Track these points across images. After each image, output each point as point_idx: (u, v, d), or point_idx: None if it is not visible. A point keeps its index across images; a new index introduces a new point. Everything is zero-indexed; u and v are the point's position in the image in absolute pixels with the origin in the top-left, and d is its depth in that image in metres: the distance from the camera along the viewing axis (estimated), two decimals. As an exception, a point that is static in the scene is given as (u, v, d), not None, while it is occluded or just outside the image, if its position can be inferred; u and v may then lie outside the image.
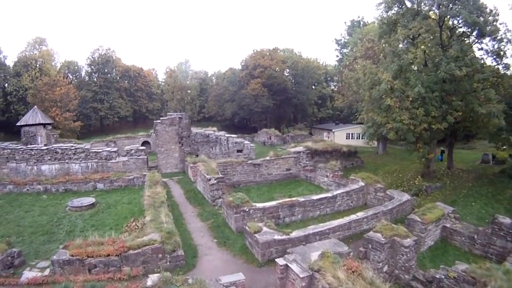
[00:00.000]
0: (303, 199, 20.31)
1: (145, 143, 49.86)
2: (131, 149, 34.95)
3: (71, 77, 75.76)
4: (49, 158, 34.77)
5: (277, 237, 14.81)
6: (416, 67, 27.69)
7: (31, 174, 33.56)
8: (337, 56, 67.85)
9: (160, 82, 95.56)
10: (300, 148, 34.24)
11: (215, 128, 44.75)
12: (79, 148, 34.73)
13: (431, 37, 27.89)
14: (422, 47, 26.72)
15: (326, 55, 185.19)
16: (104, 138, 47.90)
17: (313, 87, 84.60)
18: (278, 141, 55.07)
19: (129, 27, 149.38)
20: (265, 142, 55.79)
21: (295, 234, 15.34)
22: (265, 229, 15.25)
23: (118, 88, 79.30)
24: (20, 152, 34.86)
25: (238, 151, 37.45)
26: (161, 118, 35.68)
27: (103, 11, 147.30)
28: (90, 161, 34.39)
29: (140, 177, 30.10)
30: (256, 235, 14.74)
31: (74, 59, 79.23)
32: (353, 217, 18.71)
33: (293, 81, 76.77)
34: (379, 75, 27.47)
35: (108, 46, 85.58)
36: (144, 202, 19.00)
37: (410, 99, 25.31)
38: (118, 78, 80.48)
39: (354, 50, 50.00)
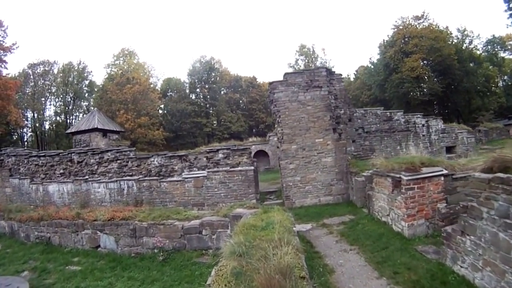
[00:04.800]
0: None
1: (259, 154, 29.97)
2: (217, 150, 14.77)
3: (173, 94, 63.48)
4: (61, 171, 17.21)
5: None
6: None
7: (36, 198, 18.58)
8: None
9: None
10: None
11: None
12: (107, 152, 16.09)
13: None
14: None
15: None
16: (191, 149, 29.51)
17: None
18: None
19: (236, 35, 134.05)
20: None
21: None
22: None
23: (227, 100, 64.67)
24: (25, 161, 19.70)
25: (448, 148, 20.41)
26: (285, 73, 14.51)
27: (210, 20, 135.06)
28: (128, 178, 15.26)
29: (221, 224, 8.89)
30: None
31: (176, 76, 68.07)
32: None
33: (456, 58, 49.84)
34: None
35: (211, 55, 72.77)
36: None
37: None
38: (227, 90, 67.02)
39: None
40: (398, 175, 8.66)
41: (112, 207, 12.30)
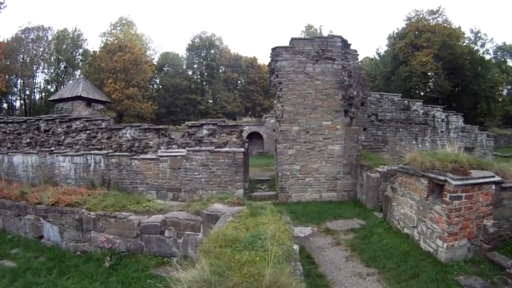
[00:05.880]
0: None
1: (253, 137, 27.38)
2: (201, 125, 12.13)
3: (170, 69, 60.45)
4: (28, 141, 14.63)
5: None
6: None
7: (1, 171, 16.02)
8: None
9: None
10: None
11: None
12: (76, 121, 13.54)
13: None
14: None
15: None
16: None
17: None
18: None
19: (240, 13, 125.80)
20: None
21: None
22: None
23: (225, 79, 61.60)
24: (-7, 128, 16.71)
25: (467, 149, 15.75)
26: (292, 38, 11.79)
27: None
28: (96, 153, 12.66)
29: (190, 224, 6.30)
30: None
31: (175, 51, 65.46)
32: None
33: (468, 58, 47.21)
34: None
35: (212, 31, 69.87)
36: None
37: None
38: (225, 69, 63.81)
39: None
40: (442, 177, 6.11)
41: (62, 187, 9.71)
